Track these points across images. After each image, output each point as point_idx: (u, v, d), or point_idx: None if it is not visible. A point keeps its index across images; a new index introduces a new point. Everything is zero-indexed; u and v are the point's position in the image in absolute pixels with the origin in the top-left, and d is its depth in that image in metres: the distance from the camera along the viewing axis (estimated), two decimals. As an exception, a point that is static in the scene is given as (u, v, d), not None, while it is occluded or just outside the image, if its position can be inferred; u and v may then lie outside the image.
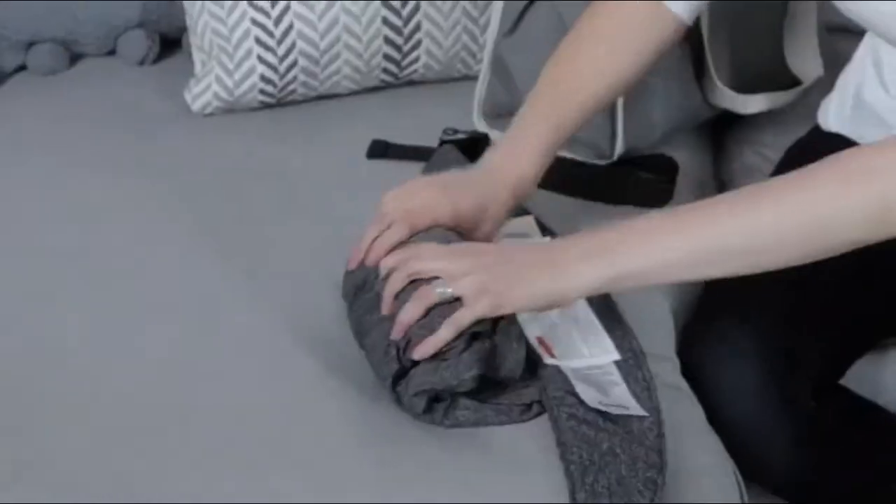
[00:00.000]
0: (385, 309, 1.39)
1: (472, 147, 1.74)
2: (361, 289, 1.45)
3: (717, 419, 1.48)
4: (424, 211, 1.46)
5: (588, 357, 1.40)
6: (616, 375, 1.39)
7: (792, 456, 1.53)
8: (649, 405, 1.36)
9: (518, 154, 1.53)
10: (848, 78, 1.72)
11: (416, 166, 1.75)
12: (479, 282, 1.34)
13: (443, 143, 1.79)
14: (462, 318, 1.33)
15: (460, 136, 1.80)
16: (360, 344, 1.43)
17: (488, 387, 1.35)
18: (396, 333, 1.35)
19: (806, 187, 1.29)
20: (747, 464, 1.50)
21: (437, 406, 1.35)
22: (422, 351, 1.33)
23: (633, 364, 1.41)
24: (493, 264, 1.35)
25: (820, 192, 1.28)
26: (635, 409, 1.35)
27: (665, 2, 1.58)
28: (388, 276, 1.40)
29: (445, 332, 1.33)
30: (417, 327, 1.34)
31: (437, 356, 1.33)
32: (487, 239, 1.50)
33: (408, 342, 1.34)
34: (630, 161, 1.59)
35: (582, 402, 1.34)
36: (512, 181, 1.51)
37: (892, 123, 1.62)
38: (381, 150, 1.84)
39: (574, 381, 1.37)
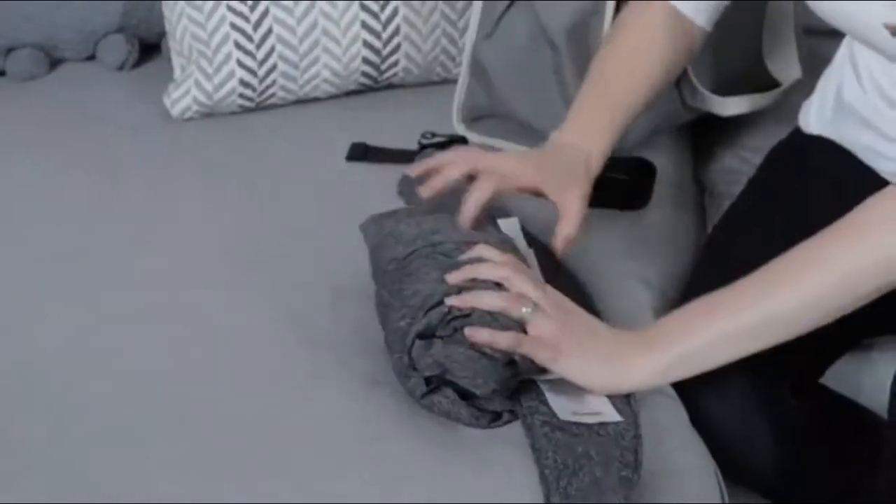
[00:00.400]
0: (454, 278, 1.38)
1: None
2: (422, 239, 1.44)
3: (700, 420, 1.49)
4: (513, 176, 1.52)
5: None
6: None
7: (774, 455, 1.54)
8: (626, 410, 1.36)
9: (588, 131, 1.59)
10: (828, 79, 1.73)
11: (397, 168, 1.75)
12: (555, 334, 1.35)
13: (422, 146, 1.80)
14: (522, 345, 1.34)
15: (438, 139, 1.80)
16: (393, 288, 1.42)
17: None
18: (460, 302, 1.35)
19: (871, 237, 1.34)
20: (730, 464, 1.50)
21: (418, 380, 1.35)
22: (474, 333, 1.33)
23: None
24: (575, 330, 1.36)
25: (867, 258, 1.34)
26: (610, 414, 1.35)
27: (686, 13, 1.64)
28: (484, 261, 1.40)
29: (503, 340, 1.33)
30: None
31: (474, 347, 1.33)
32: (574, 210, 1.52)
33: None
34: (607, 163, 1.60)
35: (555, 413, 1.35)
36: (584, 157, 1.57)
37: (873, 123, 1.63)
38: (360, 152, 1.84)
39: (547, 394, 1.37)
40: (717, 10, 1.66)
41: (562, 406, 1.35)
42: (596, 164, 1.58)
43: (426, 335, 1.35)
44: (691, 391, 1.49)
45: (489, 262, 1.40)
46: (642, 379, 1.37)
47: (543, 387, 1.37)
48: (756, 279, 1.37)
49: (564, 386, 1.37)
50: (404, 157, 1.80)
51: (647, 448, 1.36)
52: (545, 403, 1.35)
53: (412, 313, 1.36)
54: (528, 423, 1.34)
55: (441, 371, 1.33)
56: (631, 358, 1.37)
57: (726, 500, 1.45)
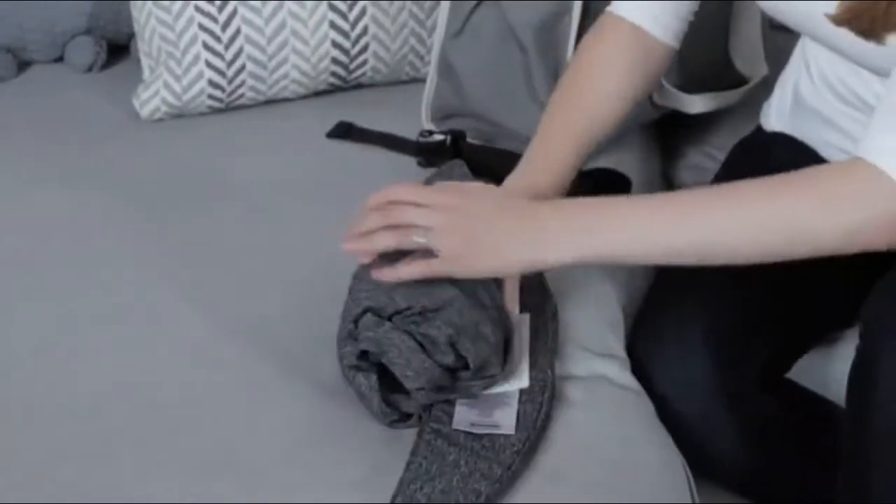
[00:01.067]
0: (348, 243, 1.39)
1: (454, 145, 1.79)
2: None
3: (667, 414, 1.49)
4: None
5: (499, 385, 1.40)
6: (513, 400, 1.39)
7: (741, 449, 1.55)
8: (532, 426, 1.36)
9: (545, 172, 1.53)
10: (786, 76, 1.74)
11: (373, 160, 1.76)
12: (458, 243, 1.35)
13: (419, 145, 1.80)
14: (434, 269, 1.35)
15: (437, 137, 1.80)
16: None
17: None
18: (362, 258, 1.37)
19: (786, 198, 1.33)
20: (698, 458, 1.51)
21: (353, 350, 1.36)
22: (381, 273, 1.35)
23: (537, 390, 1.40)
24: (475, 223, 1.35)
25: (800, 207, 1.32)
26: (507, 427, 1.35)
27: (651, 33, 1.60)
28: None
29: (410, 270, 1.34)
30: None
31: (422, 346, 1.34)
32: (509, 288, 1.47)
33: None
34: (580, 175, 1.60)
35: (450, 422, 1.36)
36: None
37: (833, 121, 1.64)
38: (344, 131, 1.85)
39: (458, 404, 1.38)
40: (682, 26, 1.63)
41: (463, 416, 1.36)
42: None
43: (379, 314, 1.35)
44: (658, 385, 1.50)
45: (370, 216, 1.39)
46: (565, 258, 1.35)
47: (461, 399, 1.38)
48: (679, 199, 1.37)
49: (483, 400, 1.38)
50: (388, 140, 1.81)
51: (613, 442, 1.38)
52: (448, 413, 1.37)
53: (373, 288, 1.37)
54: (421, 428, 1.35)
55: (378, 351, 1.34)
56: (554, 235, 1.35)
57: (695, 495, 1.45)
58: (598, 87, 1.59)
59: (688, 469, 1.46)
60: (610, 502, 1.33)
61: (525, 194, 1.46)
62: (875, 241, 1.32)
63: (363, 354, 1.36)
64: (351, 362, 1.36)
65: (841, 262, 1.48)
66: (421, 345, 1.34)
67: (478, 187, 1.43)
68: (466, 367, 1.35)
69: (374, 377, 1.35)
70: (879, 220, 1.31)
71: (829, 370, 1.68)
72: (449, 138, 1.79)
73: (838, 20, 1.44)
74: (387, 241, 1.37)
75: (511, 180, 1.52)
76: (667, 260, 1.37)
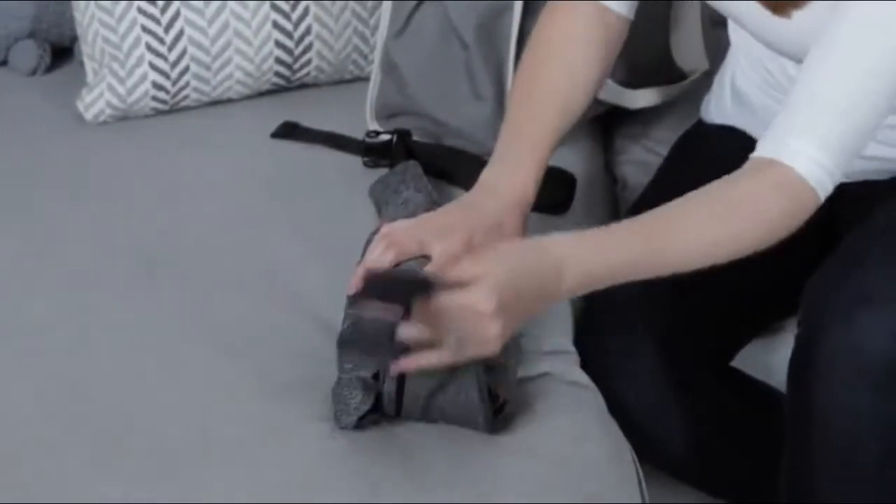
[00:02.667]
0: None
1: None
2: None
3: (617, 406, 1.50)
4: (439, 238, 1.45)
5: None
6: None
7: (689, 437, 1.57)
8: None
9: (514, 173, 1.54)
10: (725, 68, 1.76)
11: (319, 160, 1.76)
12: (506, 334, 1.33)
13: (366, 145, 1.80)
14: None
15: (384, 137, 1.80)
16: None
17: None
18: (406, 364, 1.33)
19: (729, 226, 1.41)
20: (648, 449, 1.53)
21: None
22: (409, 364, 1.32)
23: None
24: (514, 312, 1.33)
25: (738, 230, 1.41)
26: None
27: (608, 2, 1.61)
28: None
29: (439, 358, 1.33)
30: None
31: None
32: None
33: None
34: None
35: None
36: (516, 201, 1.52)
37: (763, 105, 1.66)
38: (288, 131, 1.85)
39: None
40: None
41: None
42: (530, 203, 1.54)
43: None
44: (606, 378, 1.51)
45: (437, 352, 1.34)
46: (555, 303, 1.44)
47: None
48: (646, 226, 1.41)
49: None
50: (332, 140, 1.81)
51: (562, 440, 1.39)
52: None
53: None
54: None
55: (351, 328, 1.36)
56: (552, 287, 1.36)
57: (644, 490, 1.46)
58: (569, 70, 1.60)
59: (637, 464, 1.47)
60: (560, 499, 1.34)
61: (513, 193, 1.51)
62: (793, 229, 1.40)
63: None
64: (340, 340, 1.39)
65: (781, 253, 1.50)
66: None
67: (513, 253, 1.38)
68: None
69: (349, 367, 1.38)
70: (801, 217, 1.40)
71: (772, 359, 1.70)
72: (395, 137, 1.80)
73: None
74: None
75: (494, 176, 1.53)
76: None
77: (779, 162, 1.39)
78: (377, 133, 1.81)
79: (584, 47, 1.61)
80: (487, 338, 1.30)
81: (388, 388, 1.37)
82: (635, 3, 1.64)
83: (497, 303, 1.29)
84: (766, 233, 1.40)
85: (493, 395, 1.38)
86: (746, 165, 1.42)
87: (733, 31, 1.71)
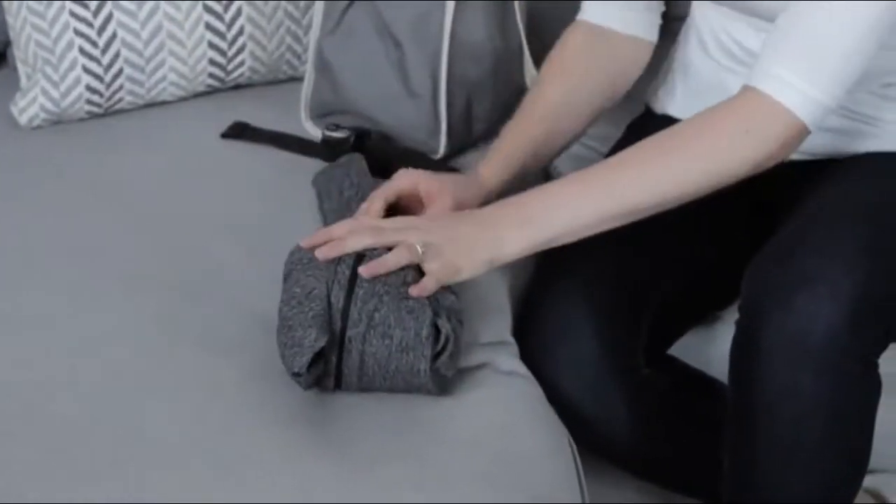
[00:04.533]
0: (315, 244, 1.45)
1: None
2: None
3: (556, 395, 1.52)
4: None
5: None
6: None
7: (630, 426, 1.58)
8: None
9: (484, 166, 1.64)
10: (674, 57, 1.77)
11: (263, 159, 1.76)
12: (434, 252, 1.42)
13: (326, 141, 1.81)
14: (434, 284, 1.41)
15: (344, 131, 1.81)
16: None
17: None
18: (367, 271, 1.42)
19: (698, 148, 1.45)
20: (589, 439, 1.54)
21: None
22: (371, 269, 1.40)
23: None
24: (441, 237, 1.44)
25: (713, 154, 1.45)
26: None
27: (613, 29, 1.68)
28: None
29: (423, 288, 1.41)
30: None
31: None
32: None
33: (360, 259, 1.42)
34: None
35: None
36: (482, 187, 1.61)
37: (721, 81, 1.68)
38: (239, 131, 1.86)
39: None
40: (653, 17, 1.70)
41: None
42: (487, 195, 1.61)
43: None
44: (545, 367, 1.53)
45: (351, 235, 1.44)
46: (520, 248, 1.47)
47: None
48: (612, 168, 1.49)
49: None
50: (281, 140, 1.82)
51: (500, 432, 1.40)
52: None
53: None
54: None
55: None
56: (506, 231, 1.45)
57: (583, 481, 1.48)
58: (549, 99, 1.68)
59: (576, 453, 1.48)
60: (497, 492, 1.34)
61: (479, 181, 1.61)
62: (776, 159, 1.46)
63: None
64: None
65: (720, 240, 1.52)
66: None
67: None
68: None
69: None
70: (778, 143, 1.44)
71: (710, 348, 1.72)
72: (352, 137, 1.81)
73: None
74: (397, 260, 1.42)
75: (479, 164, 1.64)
76: (606, 226, 1.47)
77: (755, 88, 1.44)
78: (336, 126, 1.82)
79: (584, 75, 1.68)
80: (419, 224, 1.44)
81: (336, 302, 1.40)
82: (650, 23, 1.69)
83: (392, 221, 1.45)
84: (730, 154, 1.45)
85: (437, 330, 1.41)
86: (735, 95, 1.48)
87: (694, 10, 1.72)
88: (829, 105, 1.44)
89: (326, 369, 1.41)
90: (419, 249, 1.42)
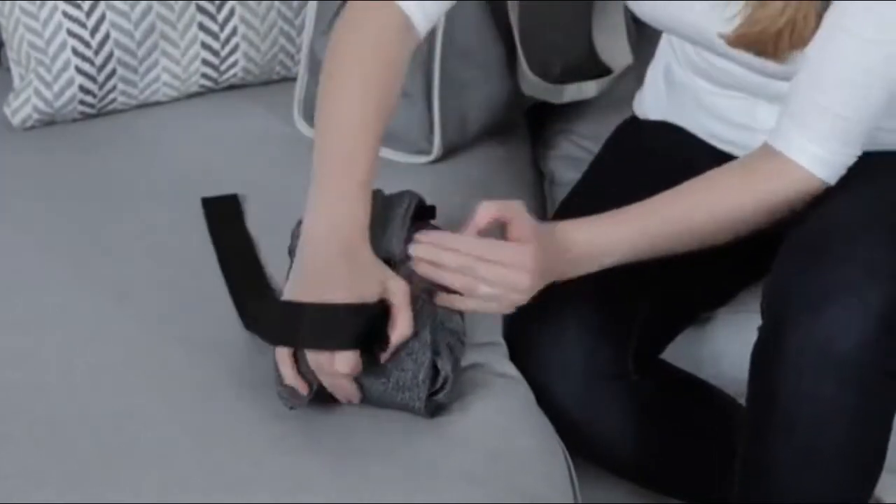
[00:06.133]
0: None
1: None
2: None
3: (546, 399, 1.52)
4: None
5: None
6: None
7: (619, 430, 1.57)
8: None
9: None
10: (657, 62, 1.78)
11: (252, 163, 1.77)
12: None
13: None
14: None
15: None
16: None
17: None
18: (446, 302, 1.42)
19: (734, 203, 1.51)
20: (579, 443, 1.54)
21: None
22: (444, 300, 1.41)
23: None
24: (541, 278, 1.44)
25: (745, 210, 1.51)
26: None
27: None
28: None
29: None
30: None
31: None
32: None
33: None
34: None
35: None
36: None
37: (699, 99, 1.68)
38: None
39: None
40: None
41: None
42: None
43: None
44: (535, 370, 1.53)
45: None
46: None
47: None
48: (657, 204, 1.50)
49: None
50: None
51: (492, 432, 1.40)
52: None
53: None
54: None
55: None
56: (566, 270, 1.47)
57: (574, 481, 1.48)
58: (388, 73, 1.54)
59: (568, 456, 1.48)
60: (489, 492, 1.34)
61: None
62: (797, 210, 1.50)
63: None
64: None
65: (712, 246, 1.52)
66: None
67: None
68: None
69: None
70: (800, 200, 1.50)
71: (702, 349, 1.72)
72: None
73: (732, 44, 1.50)
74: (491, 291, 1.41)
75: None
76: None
77: (778, 153, 1.49)
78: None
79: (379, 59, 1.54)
80: (521, 288, 1.41)
81: None
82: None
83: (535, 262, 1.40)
84: (753, 216, 1.51)
85: (435, 370, 1.40)
86: (756, 151, 1.53)
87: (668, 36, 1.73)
88: (850, 162, 1.50)
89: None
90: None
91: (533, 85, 1.88)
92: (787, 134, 1.49)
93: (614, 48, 1.96)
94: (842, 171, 1.50)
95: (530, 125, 2.05)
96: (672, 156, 1.69)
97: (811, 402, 1.41)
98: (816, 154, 1.48)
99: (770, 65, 1.53)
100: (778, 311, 1.43)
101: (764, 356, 1.45)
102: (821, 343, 1.39)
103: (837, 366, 1.39)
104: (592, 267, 1.47)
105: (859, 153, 1.50)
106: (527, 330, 1.55)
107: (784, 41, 1.50)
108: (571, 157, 1.96)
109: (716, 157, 1.61)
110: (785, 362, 1.41)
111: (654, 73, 1.79)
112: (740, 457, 1.48)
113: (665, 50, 1.75)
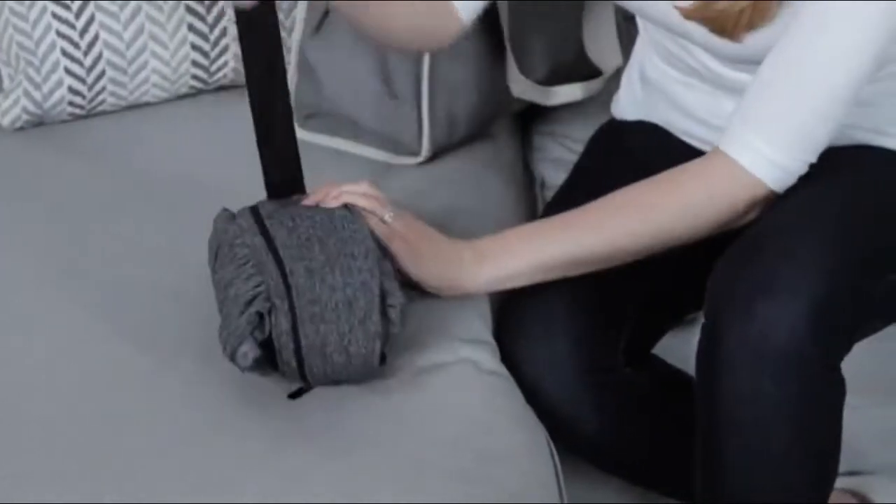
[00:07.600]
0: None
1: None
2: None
3: (536, 396, 1.52)
4: None
5: None
6: None
7: (609, 426, 1.57)
8: None
9: None
10: (632, 62, 1.78)
11: (242, 166, 1.76)
12: (411, 238, 1.49)
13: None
14: (392, 240, 1.48)
15: None
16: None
17: None
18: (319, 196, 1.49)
19: (657, 209, 1.50)
20: (568, 439, 1.55)
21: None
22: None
23: None
24: (422, 237, 1.50)
25: (668, 216, 1.50)
26: None
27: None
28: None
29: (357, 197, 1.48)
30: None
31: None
32: None
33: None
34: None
35: None
36: None
37: (672, 93, 1.69)
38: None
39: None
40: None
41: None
42: None
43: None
44: (525, 367, 1.53)
45: (348, 191, 1.49)
46: (474, 287, 1.51)
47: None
48: (573, 217, 1.51)
49: None
50: None
51: (480, 429, 1.40)
52: None
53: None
54: None
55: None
56: (467, 265, 1.49)
57: (560, 479, 1.48)
58: None
59: (555, 454, 1.48)
60: (475, 490, 1.34)
61: None
62: (746, 220, 1.48)
63: None
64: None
65: (699, 242, 1.52)
66: None
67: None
68: None
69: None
70: (745, 206, 1.48)
71: (688, 348, 1.71)
72: None
73: (689, 16, 1.50)
74: (360, 201, 1.48)
75: None
76: (563, 272, 1.51)
77: (723, 153, 1.48)
78: None
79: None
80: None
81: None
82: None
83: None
84: (693, 219, 1.49)
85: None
86: (704, 156, 1.52)
87: (644, 26, 1.73)
88: (799, 170, 1.47)
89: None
90: (388, 219, 1.47)
91: (522, 87, 1.88)
92: (734, 132, 1.48)
93: (604, 50, 1.96)
94: (789, 180, 1.47)
95: (520, 127, 2.04)
96: (650, 156, 1.69)
97: (752, 401, 1.40)
98: (762, 151, 1.46)
99: (726, 46, 1.52)
100: (715, 311, 1.43)
101: (704, 357, 1.45)
102: (755, 340, 1.38)
103: (773, 362, 1.38)
104: (498, 272, 1.50)
105: (809, 162, 1.47)
106: (515, 327, 1.55)
107: (744, 18, 1.48)
108: (562, 160, 1.96)
109: (693, 156, 1.61)
110: (723, 362, 1.41)
111: (630, 73, 1.79)
112: (697, 458, 1.49)
113: (640, 48, 1.75)
